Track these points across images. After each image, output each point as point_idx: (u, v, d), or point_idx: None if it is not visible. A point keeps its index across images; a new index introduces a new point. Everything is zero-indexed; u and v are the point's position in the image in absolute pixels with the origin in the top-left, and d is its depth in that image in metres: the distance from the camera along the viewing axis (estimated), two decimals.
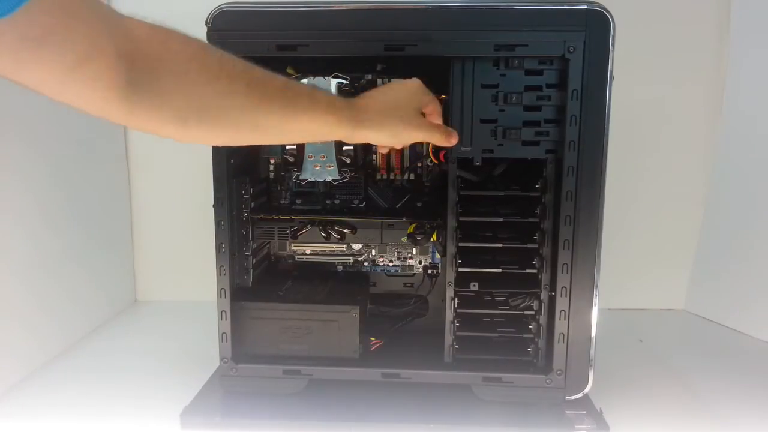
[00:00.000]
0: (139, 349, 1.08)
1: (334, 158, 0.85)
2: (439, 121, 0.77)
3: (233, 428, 0.80)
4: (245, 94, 0.56)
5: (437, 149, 0.88)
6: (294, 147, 0.87)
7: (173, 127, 0.52)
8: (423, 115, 0.75)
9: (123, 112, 0.48)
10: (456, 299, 0.84)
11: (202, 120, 0.54)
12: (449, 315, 0.84)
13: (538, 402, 0.82)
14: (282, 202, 0.95)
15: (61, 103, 0.46)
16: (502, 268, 0.83)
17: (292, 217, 0.93)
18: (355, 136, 0.67)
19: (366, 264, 0.98)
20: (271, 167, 0.93)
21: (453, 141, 0.76)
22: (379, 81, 0.88)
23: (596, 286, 0.79)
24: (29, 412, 0.85)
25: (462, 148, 0.79)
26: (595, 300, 0.79)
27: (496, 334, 0.85)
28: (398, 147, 0.83)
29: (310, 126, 0.63)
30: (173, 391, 0.88)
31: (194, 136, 0.55)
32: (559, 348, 0.81)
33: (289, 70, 0.87)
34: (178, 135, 0.53)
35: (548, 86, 0.78)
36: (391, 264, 0.97)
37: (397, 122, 0.69)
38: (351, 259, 0.97)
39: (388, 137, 0.70)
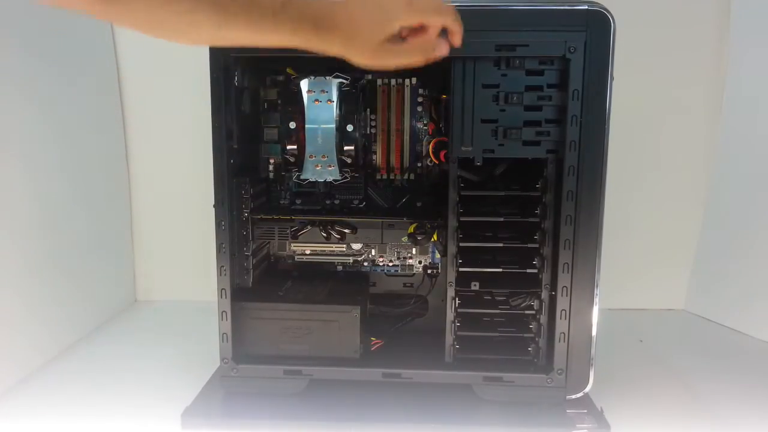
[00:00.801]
0: (139, 349, 1.08)
1: (335, 158, 0.85)
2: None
3: (234, 428, 0.80)
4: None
5: (437, 149, 0.89)
6: (294, 147, 0.87)
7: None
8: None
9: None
10: (457, 299, 0.84)
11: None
12: (450, 315, 0.84)
13: (539, 401, 0.82)
14: (282, 202, 0.95)
15: None
16: (503, 268, 0.83)
17: (292, 217, 0.93)
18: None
19: (366, 264, 0.98)
20: (271, 167, 0.93)
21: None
22: (379, 81, 0.88)
23: (597, 286, 0.79)
24: (29, 412, 0.85)
25: (463, 148, 0.79)
26: (596, 300, 0.79)
27: (497, 334, 0.85)
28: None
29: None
30: (174, 391, 0.87)
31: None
32: (559, 347, 0.81)
33: (289, 70, 0.87)
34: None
35: (549, 86, 0.78)
36: (391, 264, 0.97)
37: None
38: (351, 259, 0.97)
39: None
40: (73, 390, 0.92)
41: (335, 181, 0.87)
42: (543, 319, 0.83)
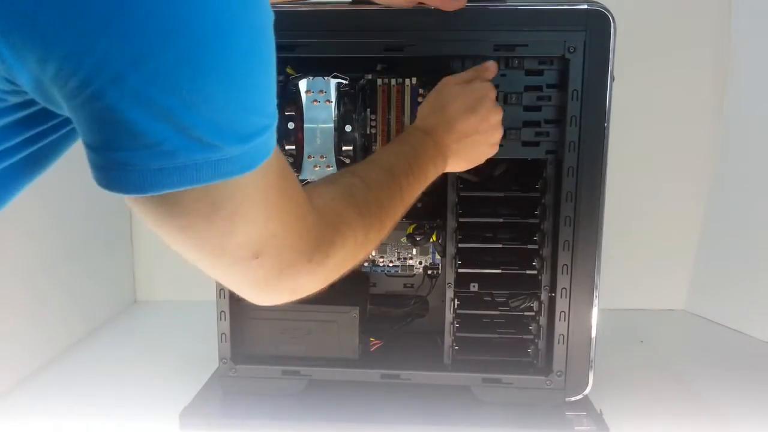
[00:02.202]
0: (138, 349, 1.08)
1: (333, 158, 0.85)
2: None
3: (233, 429, 0.80)
4: (388, 221, 0.58)
5: None
6: (293, 147, 0.87)
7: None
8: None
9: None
10: (456, 300, 0.84)
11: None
12: (449, 316, 0.84)
13: (538, 403, 0.82)
14: None
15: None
16: (502, 269, 0.83)
17: None
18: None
19: (366, 264, 0.97)
20: None
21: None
22: (379, 81, 0.88)
23: (596, 287, 0.79)
24: (29, 412, 0.85)
25: None
26: (596, 301, 0.79)
27: (496, 335, 0.85)
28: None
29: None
30: (172, 391, 0.87)
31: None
32: (559, 349, 0.80)
33: (289, 70, 0.86)
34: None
35: (548, 86, 0.78)
36: (391, 264, 0.97)
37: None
38: None
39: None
40: (72, 390, 0.92)
41: None
42: (542, 320, 0.83)
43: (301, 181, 0.87)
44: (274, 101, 0.38)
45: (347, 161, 0.86)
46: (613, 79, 0.75)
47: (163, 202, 0.36)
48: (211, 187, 0.36)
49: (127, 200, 0.37)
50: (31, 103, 0.36)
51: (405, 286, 0.99)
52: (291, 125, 0.86)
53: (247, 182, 0.37)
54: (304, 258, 0.45)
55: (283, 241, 0.42)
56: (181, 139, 0.33)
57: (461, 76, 0.73)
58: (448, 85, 0.71)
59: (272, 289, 0.46)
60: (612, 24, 0.73)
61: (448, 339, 0.84)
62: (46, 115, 0.37)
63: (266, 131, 0.37)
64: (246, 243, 0.40)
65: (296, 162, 0.87)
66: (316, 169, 0.85)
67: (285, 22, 0.75)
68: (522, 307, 0.84)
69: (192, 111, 0.33)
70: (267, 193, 0.40)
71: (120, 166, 0.33)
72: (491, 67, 0.74)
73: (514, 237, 0.84)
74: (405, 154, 0.64)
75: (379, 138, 0.89)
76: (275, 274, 0.43)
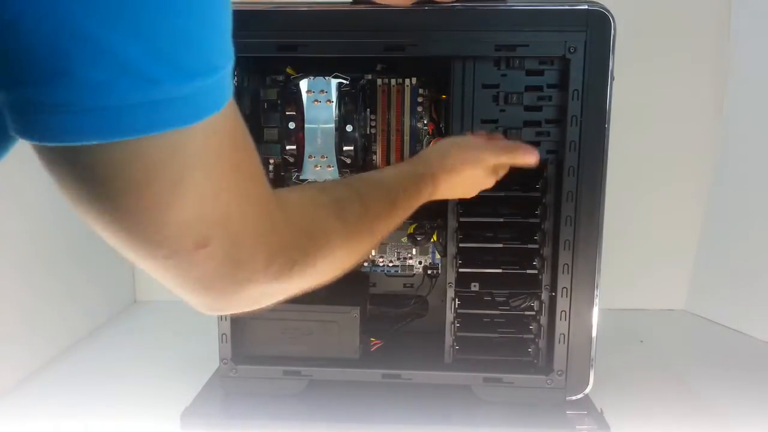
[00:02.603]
0: (138, 349, 1.08)
1: (334, 158, 0.85)
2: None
3: (233, 429, 0.80)
4: (372, 233, 0.53)
5: None
6: (294, 147, 0.87)
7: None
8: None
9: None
10: (456, 299, 0.84)
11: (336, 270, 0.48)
12: (450, 315, 0.84)
13: (538, 402, 0.82)
14: None
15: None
16: (503, 269, 0.83)
17: None
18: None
19: (366, 264, 0.97)
20: (271, 167, 0.93)
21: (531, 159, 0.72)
22: (379, 81, 0.88)
23: (597, 287, 0.79)
24: (29, 412, 0.85)
25: None
26: (596, 300, 0.79)
27: (497, 335, 0.85)
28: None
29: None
30: (173, 391, 0.87)
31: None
32: (559, 348, 0.80)
33: (288, 70, 0.86)
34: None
35: (549, 86, 0.78)
36: (391, 264, 0.97)
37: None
38: None
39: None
40: (72, 390, 0.92)
41: None
42: (543, 320, 0.83)
43: (302, 180, 0.87)
44: (229, 42, 0.32)
45: (348, 161, 0.87)
46: (613, 78, 0.75)
47: (82, 157, 0.29)
48: (147, 143, 0.29)
49: (38, 156, 0.31)
50: None
51: (405, 286, 0.99)
52: (292, 125, 0.86)
53: (193, 140, 0.30)
54: (264, 259, 0.37)
55: (239, 231, 0.35)
56: (114, 69, 0.27)
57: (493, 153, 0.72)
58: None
59: (223, 293, 0.37)
60: (612, 24, 0.73)
61: (448, 339, 0.84)
62: None
63: (216, 73, 0.31)
64: (190, 223, 0.32)
65: (297, 162, 0.87)
66: (317, 169, 0.85)
67: (285, 22, 0.76)
68: (523, 306, 0.84)
69: (128, 36, 0.27)
70: (218, 160, 0.33)
71: (34, 106, 0.27)
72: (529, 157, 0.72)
73: (515, 236, 0.84)
74: (400, 176, 0.62)
75: (378, 138, 0.89)
76: (228, 273, 0.35)
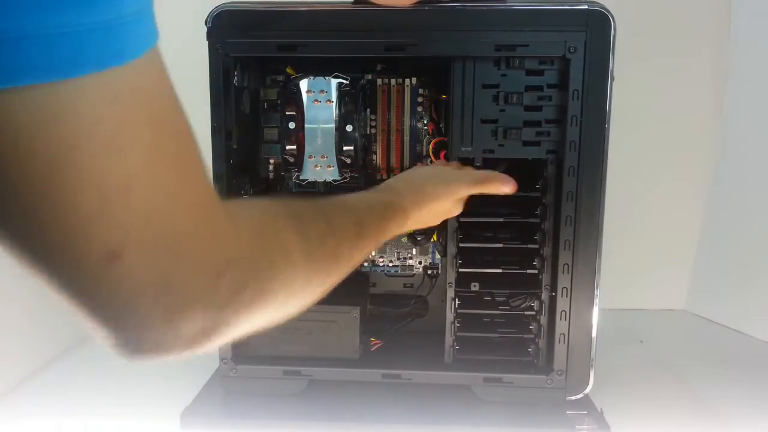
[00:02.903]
0: None
1: (334, 158, 0.85)
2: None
3: (234, 429, 0.80)
4: (337, 259, 0.46)
5: (437, 149, 0.88)
6: (294, 147, 0.87)
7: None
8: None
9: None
10: (456, 299, 0.84)
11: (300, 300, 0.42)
12: (450, 315, 0.84)
13: (538, 402, 0.82)
14: None
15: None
16: (503, 269, 0.83)
17: None
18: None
19: (366, 264, 0.97)
20: (271, 167, 0.93)
21: (507, 188, 0.73)
22: (379, 81, 0.88)
23: (597, 287, 0.79)
24: (29, 412, 0.85)
25: (462, 149, 0.79)
26: (596, 300, 0.79)
27: (497, 335, 0.85)
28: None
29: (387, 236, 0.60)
30: (173, 391, 0.87)
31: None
32: (559, 348, 0.81)
33: (288, 70, 0.86)
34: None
35: (549, 86, 0.78)
36: (391, 264, 0.97)
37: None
38: None
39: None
40: (72, 390, 0.92)
41: (335, 181, 0.87)
42: (543, 319, 0.83)
43: (302, 180, 0.87)
44: None
45: (348, 161, 0.87)
46: (613, 78, 0.75)
47: None
48: (42, 94, 0.20)
49: None
50: None
51: (405, 286, 0.99)
52: (292, 125, 0.86)
53: (102, 94, 0.22)
54: (204, 280, 0.28)
55: (164, 239, 0.26)
56: None
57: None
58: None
59: (150, 328, 0.28)
60: (612, 24, 0.73)
61: (448, 339, 0.84)
62: None
63: (134, 3, 0.23)
64: (90, 223, 0.23)
65: (297, 162, 0.87)
66: (317, 169, 0.85)
67: (285, 22, 0.76)
68: (523, 306, 0.84)
69: None
70: (126, 138, 0.23)
71: None
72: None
73: (515, 236, 0.84)
74: (369, 201, 0.59)
75: (379, 138, 0.89)
76: (153, 296, 0.26)
